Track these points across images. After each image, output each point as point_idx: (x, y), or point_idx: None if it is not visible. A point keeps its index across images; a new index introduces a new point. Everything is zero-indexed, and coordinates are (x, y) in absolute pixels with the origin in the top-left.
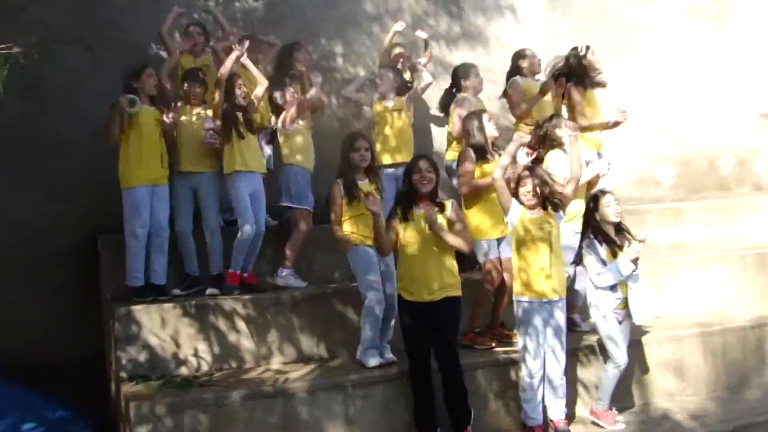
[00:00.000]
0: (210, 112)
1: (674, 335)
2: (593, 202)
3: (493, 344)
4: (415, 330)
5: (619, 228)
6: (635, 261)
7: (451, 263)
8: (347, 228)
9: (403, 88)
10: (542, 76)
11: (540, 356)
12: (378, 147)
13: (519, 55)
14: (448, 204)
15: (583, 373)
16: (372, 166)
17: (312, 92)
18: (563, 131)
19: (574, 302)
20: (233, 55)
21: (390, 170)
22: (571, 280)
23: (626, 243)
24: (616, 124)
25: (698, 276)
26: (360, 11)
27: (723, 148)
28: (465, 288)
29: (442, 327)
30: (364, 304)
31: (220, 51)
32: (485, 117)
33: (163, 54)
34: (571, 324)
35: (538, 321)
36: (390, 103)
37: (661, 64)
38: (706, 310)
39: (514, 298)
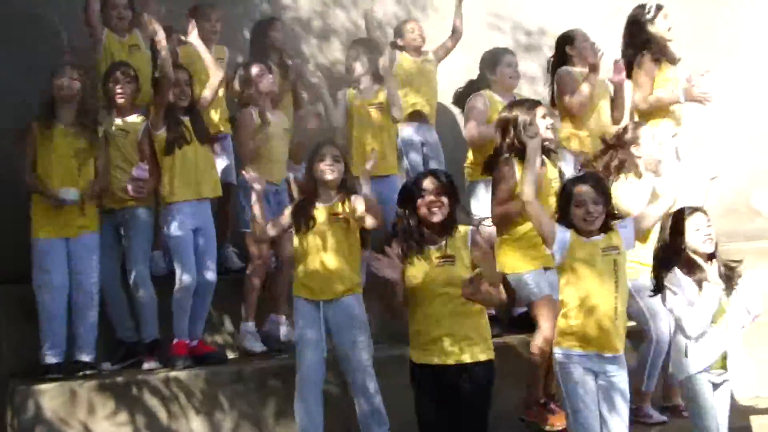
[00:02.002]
0: (135, 118)
1: None
2: (676, 221)
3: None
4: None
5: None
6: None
7: (478, 313)
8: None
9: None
10: None
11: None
12: (354, 155)
13: (565, 40)
14: (465, 231)
15: None
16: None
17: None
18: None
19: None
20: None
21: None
22: None
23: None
24: (692, 99)
25: None
26: None
27: None
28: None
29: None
30: None
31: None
32: (540, 112)
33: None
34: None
35: (591, 383)
36: (367, 95)
37: (763, 47)
38: None
39: (556, 354)
